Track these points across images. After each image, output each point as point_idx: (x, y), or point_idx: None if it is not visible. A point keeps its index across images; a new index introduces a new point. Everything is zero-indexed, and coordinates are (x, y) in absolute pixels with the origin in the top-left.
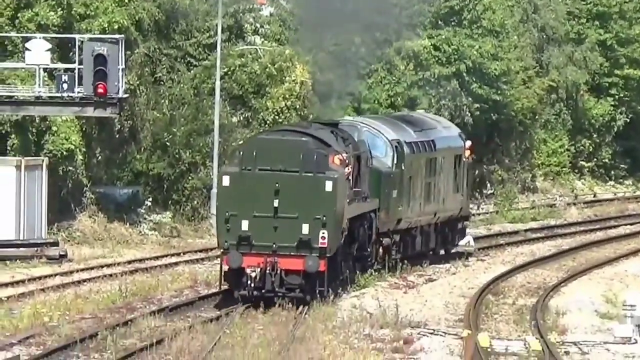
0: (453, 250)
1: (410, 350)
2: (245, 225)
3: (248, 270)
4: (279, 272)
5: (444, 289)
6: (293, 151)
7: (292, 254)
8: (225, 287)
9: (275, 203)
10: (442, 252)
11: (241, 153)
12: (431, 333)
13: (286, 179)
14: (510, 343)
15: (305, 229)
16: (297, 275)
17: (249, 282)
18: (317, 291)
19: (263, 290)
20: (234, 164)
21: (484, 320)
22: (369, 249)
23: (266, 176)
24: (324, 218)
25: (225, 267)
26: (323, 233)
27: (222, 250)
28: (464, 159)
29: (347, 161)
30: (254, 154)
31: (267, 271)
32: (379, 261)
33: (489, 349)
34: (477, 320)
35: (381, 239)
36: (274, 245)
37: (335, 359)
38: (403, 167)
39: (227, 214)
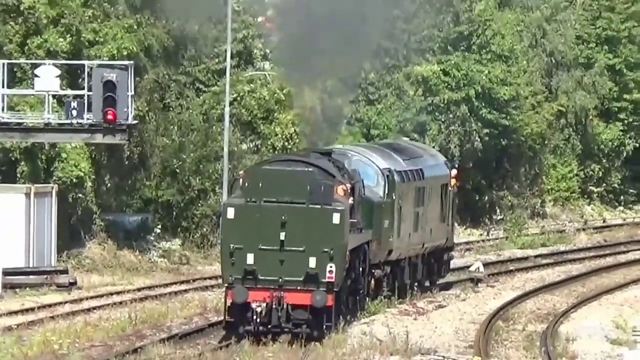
0: (439, 282)
1: None
2: (250, 258)
3: (254, 305)
4: (285, 307)
5: (453, 315)
6: (299, 182)
7: (299, 288)
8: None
9: (282, 236)
10: (427, 283)
11: (246, 184)
12: (441, 359)
13: (293, 211)
14: None
15: (312, 262)
16: (304, 311)
17: (254, 317)
18: (325, 326)
19: (269, 326)
20: (238, 196)
21: (494, 346)
22: (362, 282)
23: (272, 208)
24: (332, 251)
25: (230, 302)
26: (330, 267)
27: (226, 284)
28: (450, 188)
29: (350, 192)
30: (260, 185)
31: (274, 306)
32: (370, 294)
33: None
34: (487, 346)
35: (373, 270)
36: (280, 280)
37: None
38: (394, 197)
39: (231, 247)
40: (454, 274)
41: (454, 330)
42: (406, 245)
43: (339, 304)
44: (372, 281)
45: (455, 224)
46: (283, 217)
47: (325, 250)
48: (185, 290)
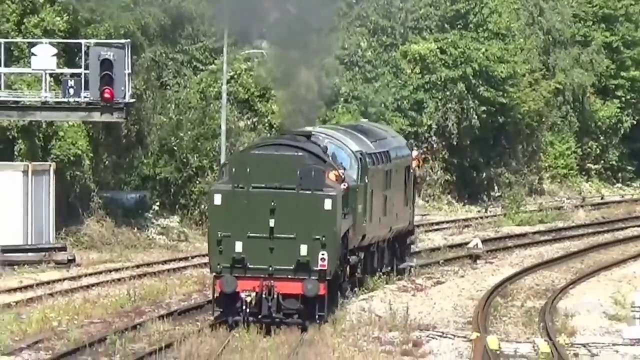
0: (400, 266)
1: (419, 353)
2: (239, 246)
3: (243, 295)
4: (275, 296)
5: (452, 292)
6: (289, 167)
7: (289, 277)
8: (218, 313)
9: (271, 223)
10: (388, 268)
11: (233, 170)
12: (440, 335)
13: (282, 197)
14: (519, 345)
15: (303, 250)
16: (295, 300)
17: (244, 307)
18: (317, 316)
19: (259, 316)
20: (225, 181)
21: (493, 322)
22: (341, 269)
23: (261, 194)
24: (324, 238)
25: (218, 292)
26: (322, 254)
27: (214, 274)
28: (411, 170)
29: (343, 177)
30: (247, 170)
31: (263, 296)
32: (347, 280)
33: (497, 352)
34: (485, 322)
35: (348, 257)
36: (270, 268)
37: None
38: (366, 180)
39: (219, 234)
40: (453, 250)
41: (452, 306)
42: (377, 229)
43: (332, 292)
44: (347, 267)
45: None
46: (272, 204)
47: (317, 237)
48: (184, 267)
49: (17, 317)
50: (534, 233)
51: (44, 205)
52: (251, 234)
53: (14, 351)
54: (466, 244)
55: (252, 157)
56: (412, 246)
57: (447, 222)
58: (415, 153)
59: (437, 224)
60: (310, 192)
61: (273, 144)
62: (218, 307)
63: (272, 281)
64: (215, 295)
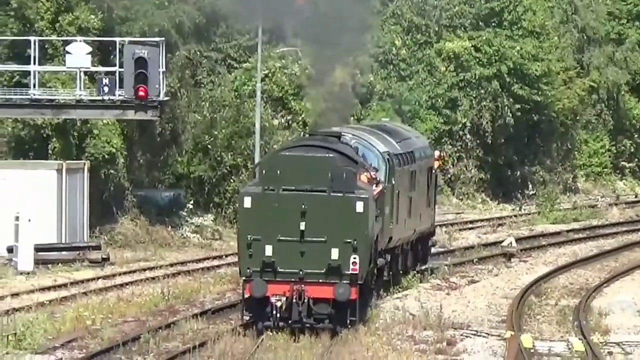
0: (422, 268)
1: (453, 352)
2: (269, 250)
3: (273, 300)
4: (306, 301)
5: (486, 290)
6: (320, 169)
7: (320, 281)
8: (247, 317)
9: (302, 226)
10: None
11: (263, 171)
12: (474, 334)
13: (313, 199)
14: (553, 344)
15: (334, 253)
16: (326, 304)
17: (274, 312)
18: (349, 321)
19: (290, 321)
20: (255, 184)
21: (527, 321)
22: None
23: (291, 197)
24: (355, 242)
25: (248, 296)
26: (354, 258)
27: (244, 278)
28: (433, 171)
29: (376, 178)
30: (277, 172)
31: (294, 300)
32: (373, 284)
33: (532, 350)
34: (519, 321)
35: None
36: (301, 272)
37: None
38: (393, 182)
39: (249, 238)
40: (487, 249)
41: (486, 305)
42: (402, 231)
43: (364, 297)
44: (375, 270)
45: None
46: (303, 206)
47: (348, 240)
48: (218, 266)
49: (51, 316)
50: (568, 231)
51: (78, 203)
52: (281, 238)
53: (47, 350)
54: (500, 242)
55: (282, 158)
56: (432, 248)
57: (481, 220)
58: (437, 153)
59: (471, 222)
60: (341, 194)
61: (303, 145)
62: (248, 312)
63: (302, 285)
64: (244, 300)
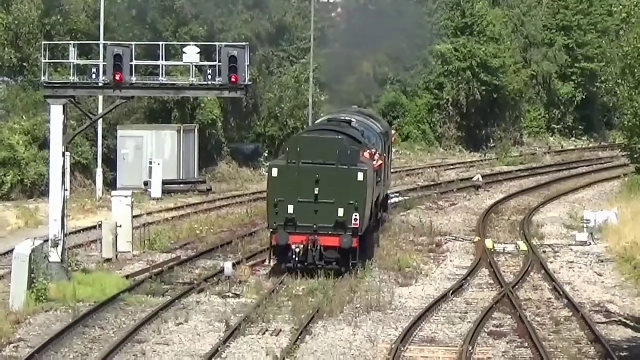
0: (384, 221)
1: (440, 250)
2: (291, 209)
3: (293, 247)
4: (319, 248)
5: (462, 210)
6: (331, 148)
7: (330, 233)
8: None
9: (316, 191)
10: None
11: (287, 148)
12: (454, 239)
13: (325, 171)
14: (506, 245)
15: (340, 212)
16: (334, 251)
17: (294, 256)
18: (351, 264)
19: (306, 263)
20: (281, 158)
21: (489, 230)
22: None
23: (308, 169)
24: (356, 203)
25: (274, 244)
26: (356, 216)
27: (271, 230)
28: (390, 145)
29: (376, 155)
30: (298, 150)
31: (309, 247)
32: (378, 230)
33: (492, 250)
34: (484, 230)
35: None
36: (315, 226)
37: (391, 256)
38: (386, 154)
39: (275, 199)
40: (463, 182)
41: (462, 220)
42: (388, 187)
43: (364, 245)
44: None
45: (462, 150)
46: (317, 176)
47: (351, 202)
48: None
49: (173, 228)
50: (517, 171)
51: (191, 153)
52: (300, 199)
53: (171, 250)
54: (471, 178)
55: (303, 139)
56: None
57: (459, 164)
58: (394, 132)
59: (452, 165)
60: (347, 167)
61: (320, 129)
62: (274, 256)
63: (316, 236)
64: (272, 247)
